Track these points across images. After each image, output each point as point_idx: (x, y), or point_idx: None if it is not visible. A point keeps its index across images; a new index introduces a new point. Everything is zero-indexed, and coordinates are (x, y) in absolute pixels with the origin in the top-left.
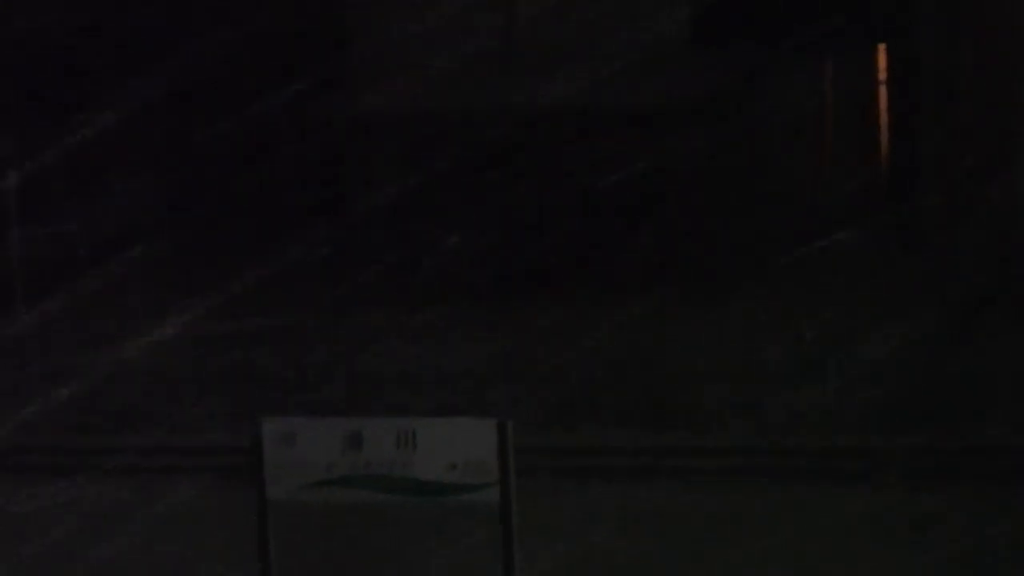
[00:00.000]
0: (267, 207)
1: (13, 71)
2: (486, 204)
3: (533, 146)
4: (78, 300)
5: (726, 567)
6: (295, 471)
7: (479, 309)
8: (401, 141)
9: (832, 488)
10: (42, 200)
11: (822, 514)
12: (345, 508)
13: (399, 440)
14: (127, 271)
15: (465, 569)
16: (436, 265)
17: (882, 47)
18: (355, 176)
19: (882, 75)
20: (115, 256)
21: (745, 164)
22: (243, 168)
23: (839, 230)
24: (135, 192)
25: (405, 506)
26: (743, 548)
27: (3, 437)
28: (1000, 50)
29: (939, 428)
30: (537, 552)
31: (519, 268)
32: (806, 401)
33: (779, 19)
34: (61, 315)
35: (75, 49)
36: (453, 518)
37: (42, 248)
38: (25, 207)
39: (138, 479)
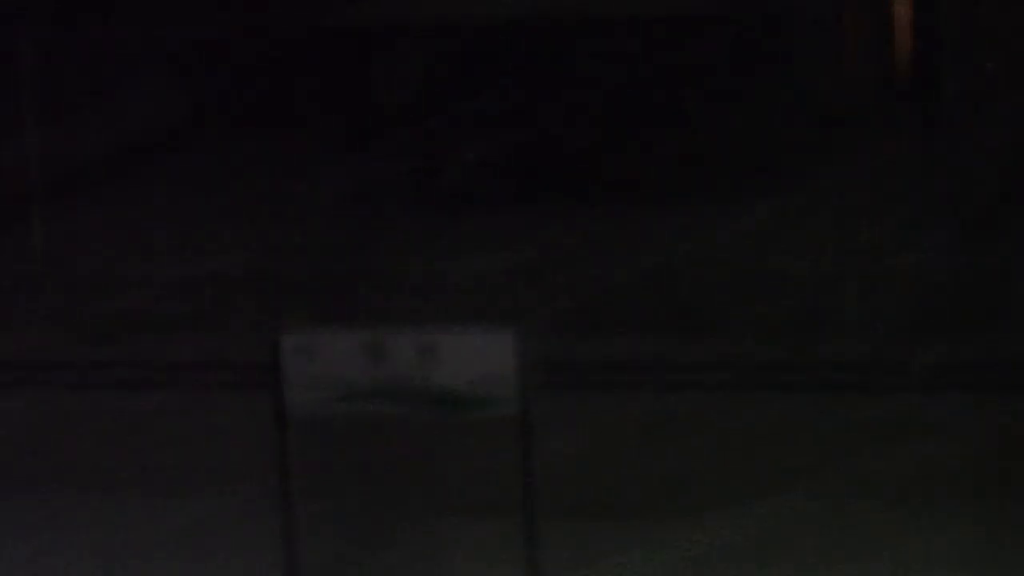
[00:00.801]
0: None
1: None
2: (506, 113)
3: (551, 52)
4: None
5: (741, 473)
6: (315, 385)
7: (505, 217)
8: (423, 50)
9: (850, 397)
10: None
11: (838, 422)
12: (365, 421)
13: (419, 353)
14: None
15: (484, 480)
16: (458, 174)
17: None
18: (380, 85)
19: None
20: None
21: (767, 64)
22: (265, 77)
23: (860, 126)
24: (162, 98)
25: (425, 419)
26: (760, 455)
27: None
28: None
29: (959, 334)
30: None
31: (544, 176)
32: (827, 309)
33: None
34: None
35: None
36: (473, 429)
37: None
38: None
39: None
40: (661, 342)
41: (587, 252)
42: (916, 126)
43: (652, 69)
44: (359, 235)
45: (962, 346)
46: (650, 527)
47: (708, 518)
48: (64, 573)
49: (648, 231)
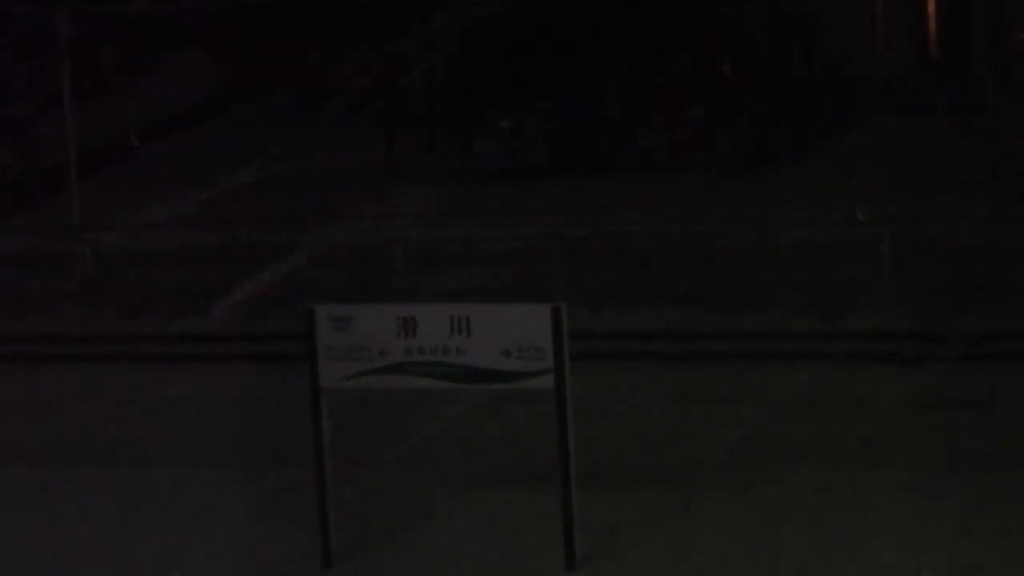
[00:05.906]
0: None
1: None
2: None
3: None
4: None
5: (778, 440)
6: (348, 357)
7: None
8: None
9: (884, 369)
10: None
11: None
12: (399, 394)
13: (453, 326)
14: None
15: (520, 454)
16: (492, 145)
17: None
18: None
19: None
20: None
21: (804, 44)
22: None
23: (895, 103)
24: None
25: (459, 393)
26: (796, 424)
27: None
28: None
29: (992, 309)
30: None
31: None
32: (859, 282)
33: None
34: None
35: None
36: (507, 403)
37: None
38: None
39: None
40: (694, 313)
41: (622, 223)
42: (950, 102)
43: (691, 44)
44: (391, 205)
45: (997, 317)
46: (685, 497)
47: (739, 489)
48: (96, 539)
49: (681, 201)
